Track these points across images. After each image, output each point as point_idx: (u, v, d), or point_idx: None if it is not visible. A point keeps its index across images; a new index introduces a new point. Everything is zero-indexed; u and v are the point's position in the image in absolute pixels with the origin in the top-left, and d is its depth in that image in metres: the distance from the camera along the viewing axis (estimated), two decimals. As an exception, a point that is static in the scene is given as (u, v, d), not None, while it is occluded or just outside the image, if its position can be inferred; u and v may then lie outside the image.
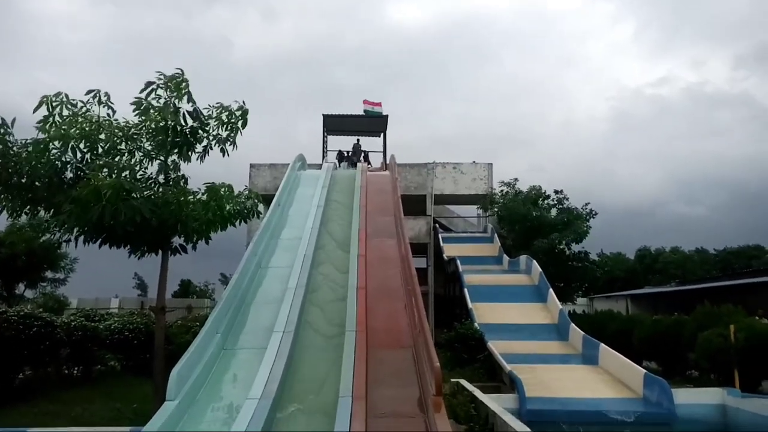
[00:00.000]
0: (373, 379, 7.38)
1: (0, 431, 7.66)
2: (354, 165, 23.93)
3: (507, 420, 7.06)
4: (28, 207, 8.40)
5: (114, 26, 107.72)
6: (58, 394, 10.30)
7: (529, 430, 6.41)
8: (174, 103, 8.45)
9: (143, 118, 8.46)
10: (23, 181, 7.95)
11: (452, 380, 10.24)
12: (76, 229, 8.12)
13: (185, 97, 8.46)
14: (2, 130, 7.92)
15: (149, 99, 8.39)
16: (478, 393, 9.04)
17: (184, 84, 8.42)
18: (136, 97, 8.44)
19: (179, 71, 8.46)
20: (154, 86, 8.37)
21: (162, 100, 8.42)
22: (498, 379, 12.40)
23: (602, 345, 12.15)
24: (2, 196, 8.11)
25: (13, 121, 8.01)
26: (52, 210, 8.25)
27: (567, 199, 23.83)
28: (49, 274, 23.11)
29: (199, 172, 9.43)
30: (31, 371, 11.38)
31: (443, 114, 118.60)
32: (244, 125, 8.95)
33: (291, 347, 8.18)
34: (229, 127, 8.85)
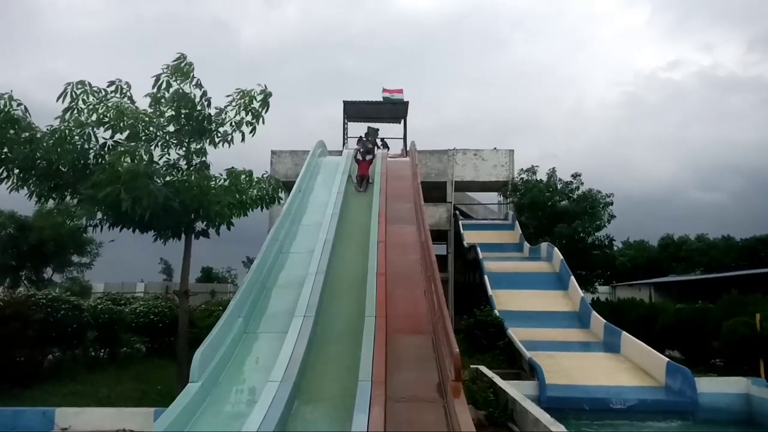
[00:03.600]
0: (393, 364, 7.42)
1: (30, 410, 7.88)
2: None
3: (526, 406, 7.05)
4: (55, 192, 8.56)
5: (121, 14, 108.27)
6: (86, 375, 10.57)
7: (548, 415, 6.39)
8: (183, 90, 8.53)
9: (156, 107, 8.58)
10: (50, 164, 8.08)
11: (471, 366, 10.25)
12: (99, 213, 8.28)
13: (192, 82, 8.55)
14: (24, 116, 8.06)
15: (162, 91, 8.52)
16: (497, 379, 9.04)
17: (188, 68, 8.49)
18: (148, 94, 8.60)
19: (181, 56, 8.51)
20: (161, 80, 8.48)
21: (172, 89, 8.51)
22: (518, 366, 12.37)
23: (624, 333, 12.03)
24: (29, 181, 8.27)
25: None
26: (77, 196, 8.42)
27: (582, 183, 23.50)
28: (75, 258, 23.67)
29: (219, 160, 9.51)
30: (59, 353, 11.68)
31: (451, 100, 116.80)
32: (266, 109, 8.98)
33: (312, 331, 8.27)
34: (250, 113, 8.89)
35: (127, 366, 11.72)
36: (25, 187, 8.32)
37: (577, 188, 23.37)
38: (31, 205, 12.09)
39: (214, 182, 8.89)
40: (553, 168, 24.27)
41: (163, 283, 34.17)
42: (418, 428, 6.03)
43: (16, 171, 8.18)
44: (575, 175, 23.74)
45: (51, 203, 12.23)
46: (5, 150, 7.89)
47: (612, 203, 22.89)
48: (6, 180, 8.19)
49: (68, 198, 8.82)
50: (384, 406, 6.08)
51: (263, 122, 9.07)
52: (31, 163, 8.02)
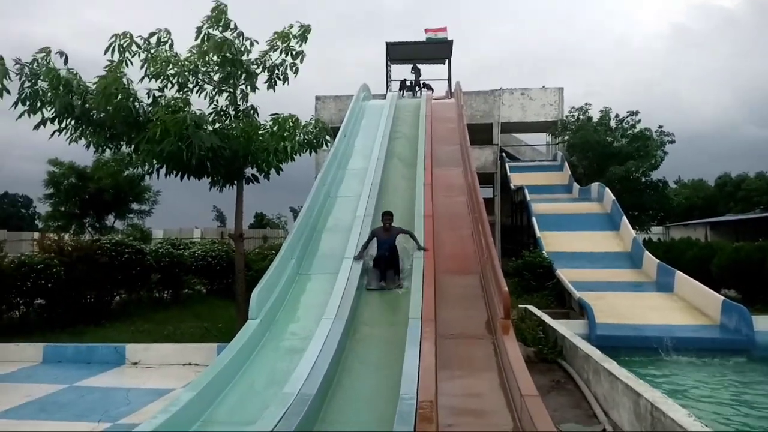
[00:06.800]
0: (442, 303, 7.55)
1: (103, 346, 8.48)
2: (413, 90, 23.40)
3: (577, 343, 7.09)
4: (111, 142, 8.85)
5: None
6: (151, 314, 11.22)
7: (599, 352, 6.42)
8: (225, 36, 8.51)
9: (203, 58, 8.63)
10: (102, 116, 8.32)
11: (520, 306, 10.31)
12: (155, 163, 8.55)
13: (230, 26, 8.51)
14: (72, 75, 8.21)
15: (204, 43, 8.52)
16: (546, 318, 9.08)
17: (223, 14, 8.44)
18: (192, 47, 8.66)
19: (218, 3, 8.44)
20: (203, 32, 8.47)
21: (213, 38, 8.51)
22: (567, 306, 12.37)
23: (678, 272, 11.79)
24: (86, 132, 8.55)
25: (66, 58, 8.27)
26: (133, 145, 8.69)
27: (639, 122, 22.57)
28: (135, 206, 24.74)
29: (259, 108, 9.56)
30: (125, 294, 12.42)
31: (488, 37, 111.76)
32: (304, 43, 8.87)
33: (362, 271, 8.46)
34: (290, 54, 8.84)
35: (190, 306, 12.35)
36: (83, 138, 8.63)
37: (633, 126, 22.47)
38: (89, 156, 12.53)
39: (261, 129, 8.98)
40: (608, 108, 23.37)
41: (217, 229, 35.34)
42: (468, 363, 6.19)
43: (72, 122, 8.46)
44: (631, 113, 22.79)
45: (108, 153, 12.69)
46: (50, 101, 8.07)
47: (673, 141, 22.00)
48: (65, 131, 8.50)
49: (124, 147, 9.11)
50: (434, 341, 6.23)
51: (302, 61, 8.98)
52: (86, 115, 8.27)
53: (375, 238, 8.87)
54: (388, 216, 8.95)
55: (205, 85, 8.99)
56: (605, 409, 5.62)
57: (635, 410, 4.80)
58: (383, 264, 8.48)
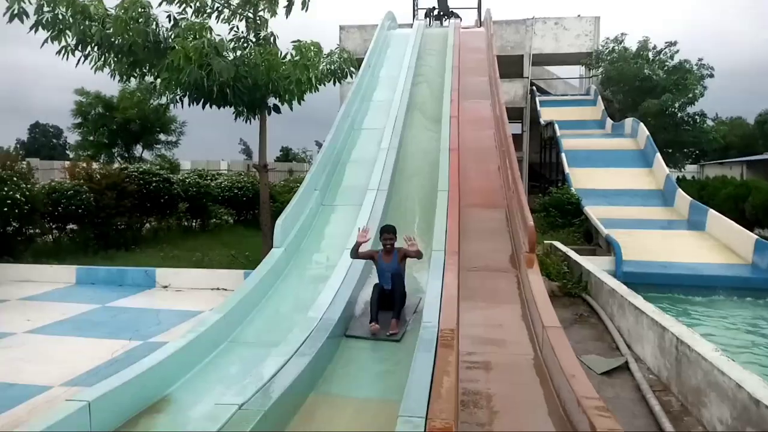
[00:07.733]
0: (466, 236, 7.49)
1: (133, 269, 8.71)
2: (440, 19, 22.44)
3: (602, 278, 7.02)
4: (135, 69, 8.74)
5: None
6: (180, 242, 11.47)
7: (625, 287, 6.34)
8: None
9: None
10: (122, 41, 8.15)
11: (546, 242, 10.22)
12: (178, 90, 8.45)
13: None
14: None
15: None
16: (572, 254, 8.99)
17: None
18: None
19: None
20: None
21: None
22: (593, 244, 12.24)
23: (711, 210, 11.48)
24: (108, 59, 8.43)
25: None
26: (155, 73, 8.57)
27: (677, 52, 21.43)
28: (162, 136, 24.89)
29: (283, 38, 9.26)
30: (155, 222, 12.68)
31: None
32: None
33: (385, 205, 8.41)
34: None
35: (217, 235, 12.58)
36: (106, 66, 8.53)
37: (672, 57, 21.39)
38: (116, 85, 12.47)
39: (282, 58, 8.73)
40: (646, 37, 22.16)
41: (244, 162, 35.54)
42: (491, 295, 6.18)
43: (96, 49, 8.34)
44: (669, 44, 21.62)
45: (133, 83, 12.63)
46: (69, 26, 7.93)
47: (712, 75, 20.92)
48: (89, 59, 8.39)
49: (147, 76, 9.00)
50: (457, 273, 6.21)
51: None
52: (107, 42, 8.12)
53: (373, 261, 6.04)
54: (388, 234, 5.91)
55: (224, 10, 8.74)
56: (628, 343, 5.60)
57: (660, 344, 4.75)
58: (380, 301, 5.62)
